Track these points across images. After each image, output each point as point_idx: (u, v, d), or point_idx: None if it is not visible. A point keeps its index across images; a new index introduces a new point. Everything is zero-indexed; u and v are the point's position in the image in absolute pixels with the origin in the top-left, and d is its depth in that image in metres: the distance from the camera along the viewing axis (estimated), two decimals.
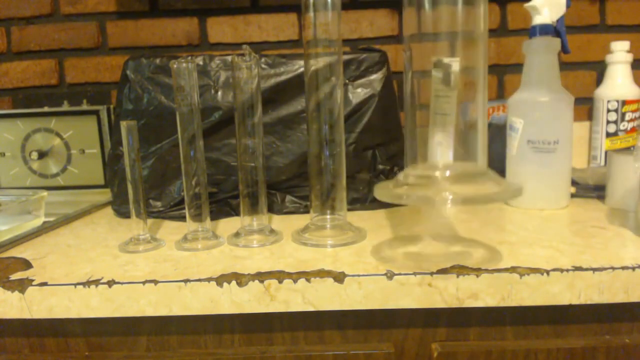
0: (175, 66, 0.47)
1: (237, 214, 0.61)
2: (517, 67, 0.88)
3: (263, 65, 0.61)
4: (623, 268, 0.38)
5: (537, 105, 0.57)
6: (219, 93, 0.60)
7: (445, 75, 0.33)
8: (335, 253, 0.45)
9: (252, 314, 0.40)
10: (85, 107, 0.80)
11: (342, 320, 0.43)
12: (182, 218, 0.59)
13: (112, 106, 0.80)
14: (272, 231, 0.51)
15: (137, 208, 0.49)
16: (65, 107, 0.81)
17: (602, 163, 0.82)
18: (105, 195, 0.76)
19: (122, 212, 0.63)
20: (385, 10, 0.88)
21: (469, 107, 0.35)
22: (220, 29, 0.89)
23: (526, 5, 0.59)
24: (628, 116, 0.79)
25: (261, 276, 0.40)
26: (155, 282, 0.39)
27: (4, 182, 0.82)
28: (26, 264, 0.45)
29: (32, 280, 0.40)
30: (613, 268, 0.38)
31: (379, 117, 0.62)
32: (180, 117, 0.48)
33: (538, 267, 0.39)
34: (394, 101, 0.64)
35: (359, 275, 0.39)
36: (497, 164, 0.74)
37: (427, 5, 0.33)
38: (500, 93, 0.91)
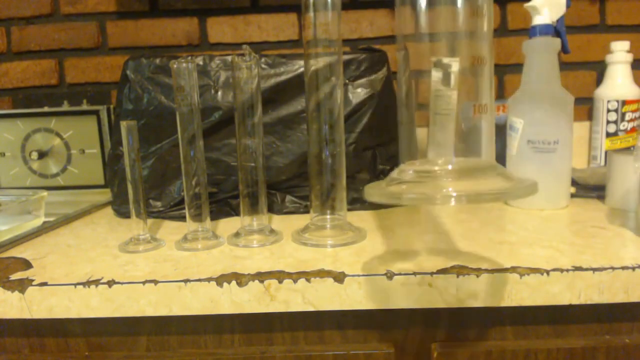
0: (175, 66, 0.47)
1: (237, 214, 0.61)
2: (517, 67, 0.88)
3: (263, 65, 0.61)
4: (623, 268, 0.38)
5: (537, 105, 0.57)
6: (219, 93, 0.60)
7: (445, 75, 0.33)
8: (335, 253, 0.45)
9: (252, 314, 0.40)
10: (85, 107, 0.80)
11: (342, 320, 0.43)
12: (182, 218, 0.59)
13: (112, 106, 0.80)
14: (272, 231, 0.51)
15: (137, 208, 0.49)
16: (65, 107, 0.81)
17: (602, 163, 0.82)
18: (105, 195, 0.76)
19: (122, 212, 0.63)
20: (385, 10, 0.88)
21: (471, 105, 0.34)
22: (220, 29, 0.89)
23: (526, 5, 0.59)
24: (628, 116, 0.79)
25: (261, 276, 0.40)
26: (155, 282, 0.39)
27: (4, 182, 0.82)
28: (26, 264, 0.45)
29: (32, 280, 0.40)
30: (613, 268, 0.38)
31: (379, 117, 0.62)
32: (180, 117, 0.48)
33: (538, 267, 0.39)
34: (394, 101, 0.64)
35: (359, 275, 0.39)
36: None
37: (426, 3, 0.32)
38: (500, 93, 0.91)
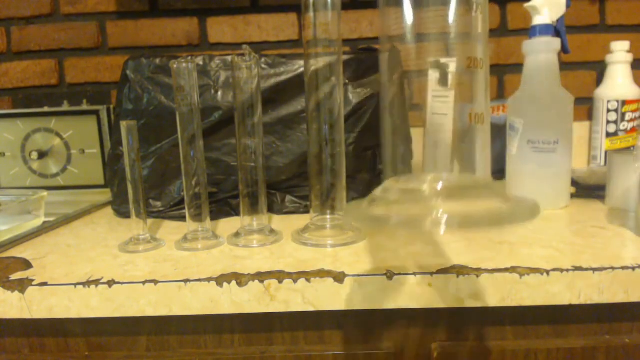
0: (175, 66, 0.47)
1: (237, 214, 0.61)
2: (517, 67, 0.88)
3: (263, 65, 0.61)
4: (623, 268, 0.38)
5: (537, 105, 0.57)
6: (219, 93, 0.60)
7: (443, 75, 0.33)
8: (335, 253, 0.45)
9: (252, 314, 0.40)
10: (85, 107, 0.80)
11: (342, 320, 0.43)
12: (182, 218, 0.59)
13: (112, 106, 0.80)
14: (272, 231, 0.51)
15: (137, 208, 0.49)
16: (65, 107, 0.81)
17: (602, 163, 0.82)
18: (105, 195, 0.76)
19: (122, 212, 0.63)
20: None
21: (466, 109, 0.34)
22: (220, 29, 0.89)
23: (526, 5, 0.59)
24: (628, 116, 0.79)
25: (261, 276, 0.40)
26: (155, 282, 0.39)
27: (4, 182, 0.82)
28: (26, 264, 0.45)
29: (32, 280, 0.40)
30: (613, 268, 0.38)
31: (380, 117, 0.62)
32: (180, 117, 0.48)
33: (538, 267, 0.39)
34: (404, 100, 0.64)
35: (359, 275, 0.39)
36: (497, 164, 0.74)
37: (419, 3, 0.32)
38: (500, 93, 0.91)
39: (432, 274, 0.39)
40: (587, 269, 0.38)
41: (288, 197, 0.62)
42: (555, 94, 0.57)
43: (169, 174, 0.61)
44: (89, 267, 0.44)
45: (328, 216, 0.50)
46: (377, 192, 0.32)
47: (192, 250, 0.48)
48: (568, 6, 0.59)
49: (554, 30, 0.58)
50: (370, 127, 0.61)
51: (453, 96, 0.32)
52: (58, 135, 0.80)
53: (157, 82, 0.61)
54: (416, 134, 0.35)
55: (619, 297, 0.39)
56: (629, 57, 0.79)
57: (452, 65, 0.31)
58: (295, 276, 0.39)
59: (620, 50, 0.79)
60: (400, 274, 0.39)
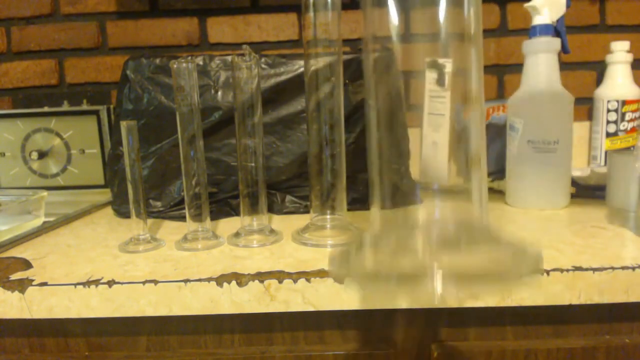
0: (175, 66, 0.47)
1: (237, 214, 0.61)
2: (517, 67, 0.88)
3: (263, 65, 0.61)
4: (623, 268, 0.38)
5: (537, 105, 0.57)
6: (219, 93, 0.60)
7: (440, 75, 0.33)
8: None
9: (252, 314, 0.40)
10: (85, 107, 0.80)
11: (342, 320, 0.43)
12: (182, 218, 0.59)
13: (112, 106, 0.80)
14: (272, 231, 0.51)
15: (137, 208, 0.49)
16: (65, 107, 0.81)
17: (602, 163, 0.82)
18: (105, 195, 0.76)
19: (122, 212, 0.63)
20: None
21: (461, 109, 0.33)
22: (220, 29, 0.89)
23: (526, 5, 0.59)
24: (628, 116, 0.79)
25: (261, 276, 0.40)
26: (155, 282, 0.39)
27: (4, 182, 0.82)
28: (26, 264, 0.45)
29: (32, 280, 0.40)
30: (613, 268, 0.38)
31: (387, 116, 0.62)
32: (180, 117, 0.48)
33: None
34: (400, 101, 0.64)
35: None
36: (497, 164, 0.74)
37: (411, 3, 0.31)
38: (500, 93, 0.91)
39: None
40: (587, 269, 0.38)
41: (288, 197, 0.62)
42: (555, 94, 0.57)
43: (169, 174, 0.61)
44: (89, 267, 0.44)
45: (328, 216, 0.50)
46: (366, 238, 0.29)
47: (192, 250, 0.48)
48: (568, 6, 0.59)
49: (554, 30, 0.58)
50: None
51: (449, 96, 0.32)
52: (58, 135, 0.80)
53: (157, 82, 0.61)
54: (412, 134, 0.35)
55: (619, 297, 0.39)
56: (629, 57, 0.79)
57: (449, 66, 0.31)
58: (295, 276, 0.39)
59: (620, 50, 0.79)
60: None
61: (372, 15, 0.30)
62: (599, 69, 0.89)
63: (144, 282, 0.39)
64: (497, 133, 0.78)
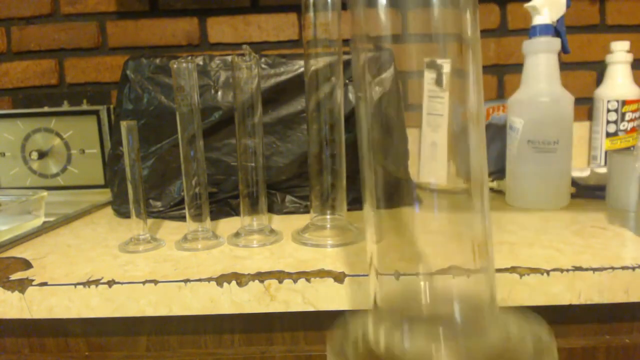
0: (175, 66, 0.47)
1: (237, 214, 0.61)
2: (517, 67, 0.88)
3: (263, 65, 0.61)
4: (623, 268, 0.38)
5: (537, 105, 0.57)
6: (219, 93, 0.60)
7: (438, 76, 0.32)
8: (335, 253, 0.45)
9: (252, 314, 0.40)
10: (85, 107, 0.80)
11: (341, 320, 0.43)
12: (182, 218, 0.59)
13: (112, 106, 0.80)
14: (272, 231, 0.51)
15: (137, 208, 0.49)
16: (65, 107, 0.81)
17: (602, 163, 0.82)
18: (105, 195, 0.76)
19: (122, 212, 0.63)
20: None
21: (459, 110, 0.32)
22: (220, 29, 0.89)
23: (526, 5, 0.59)
24: (628, 116, 0.79)
25: (261, 276, 0.40)
26: (155, 282, 0.39)
27: (4, 182, 0.82)
28: (26, 264, 0.45)
29: (32, 280, 0.40)
30: (613, 268, 0.38)
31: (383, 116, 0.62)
32: (180, 117, 0.48)
33: (538, 267, 0.39)
34: (397, 101, 0.64)
35: (359, 275, 0.39)
36: (497, 164, 0.74)
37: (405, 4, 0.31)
38: (500, 93, 0.91)
39: (431, 274, 0.39)
40: (587, 269, 0.38)
41: (288, 197, 0.62)
42: (555, 94, 0.57)
43: (169, 174, 0.61)
44: (89, 267, 0.44)
45: (328, 216, 0.50)
46: (370, 321, 0.27)
47: (192, 250, 0.48)
48: (568, 6, 0.59)
49: (554, 30, 0.58)
50: None
51: (448, 97, 0.32)
52: (58, 135, 0.80)
53: (157, 82, 0.61)
54: (411, 134, 0.35)
55: (619, 297, 0.39)
56: (629, 57, 0.79)
57: (447, 66, 0.31)
58: (295, 276, 0.39)
59: (620, 50, 0.79)
60: (401, 274, 0.39)
61: (364, 14, 0.29)
62: (599, 69, 0.89)
63: (144, 282, 0.39)
64: (497, 133, 0.78)
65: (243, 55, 0.48)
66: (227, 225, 0.57)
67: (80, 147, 0.80)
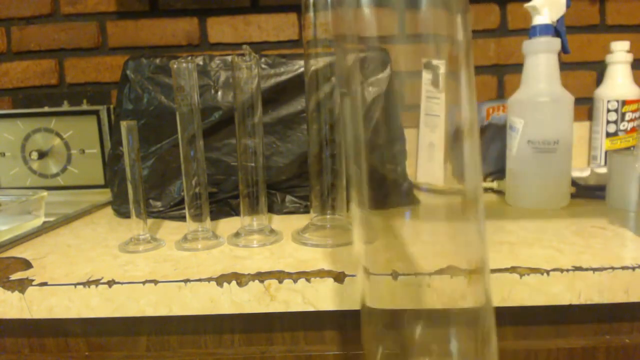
0: (175, 66, 0.47)
1: (237, 214, 0.61)
2: (517, 67, 0.88)
3: (263, 65, 0.61)
4: (623, 268, 0.38)
5: (537, 105, 0.57)
6: (219, 93, 0.60)
7: (435, 77, 0.32)
8: (335, 253, 0.45)
9: (252, 314, 0.40)
10: (85, 107, 0.80)
11: (342, 320, 0.43)
12: (182, 218, 0.59)
13: (112, 106, 0.80)
14: (272, 231, 0.51)
15: (137, 208, 0.49)
16: (65, 107, 0.81)
17: (602, 163, 0.82)
18: (105, 195, 0.76)
19: (122, 212, 0.63)
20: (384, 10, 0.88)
21: (454, 111, 0.32)
22: (220, 29, 0.89)
23: (526, 5, 0.59)
24: (628, 116, 0.79)
25: (261, 276, 0.40)
26: (155, 282, 0.39)
27: (4, 182, 0.82)
28: (26, 264, 0.45)
29: (32, 280, 0.40)
30: (613, 268, 0.38)
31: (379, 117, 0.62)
32: (180, 117, 0.48)
33: (538, 267, 0.39)
34: (395, 101, 0.64)
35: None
36: (497, 164, 0.74)
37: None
38: (500, 93, 0.91)
39: (431, 274, 0.39)
40: (587, 269, 0.38)
41: (288, 197, 0.62)
42: (555, 94, 0.57)
43: (169, 174, 0.61)
44: (89, 267, 0.44)
45: (328, 216, 0.50)
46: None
47: (192, 250, 0.48)
48: (568, 6, 0.59)
49: (554, 30, 0.58)
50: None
51: (444, 97, 0.32)
52: (58, 135, 0.80)
53: (157, 82, 0.61)
54: (408, 134, 0.34)
55: (619, 297, 0.39)
56: (629, 57, 0.79)
57: (443, 67, 0.31)
58: (295, 276, 0.39)
59: (620, 50, 0.79)
60: (401, 274, 0.39)
61: (353, 15, 0.29)
62: (599, 69, 0.89)
63: (144, 282, 0.39)
64: (497, 133, 0.78)
65: (243, 55, 0.48)
66: (227, 225, 0.57)
67: (80, 147, 0.80)
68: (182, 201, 0.60)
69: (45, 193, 0.61)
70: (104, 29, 0.89)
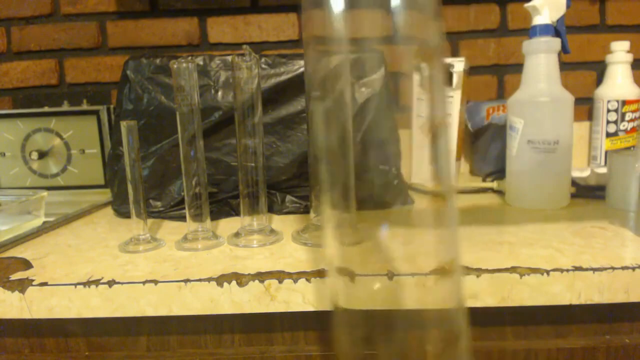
0: (175, 66, 0.47)
1: (237, 214, 0.61)
2: (517, 67, 0.88)
3: (263, 65, 0.61)
4: (623, 268, 0.38)
5: (537, 105, 0.57)
6: (219, 93, 0.60)
7: (422, 79, 0.32)
8: None
9: (252, 314, 0.40)
10: (85, 107, 0.80)
11: None
12: (182, 218, 0.59)
13: (112, 106, 0.80)
14: (272, 231, 0.51)
15: (137, 208, 0.49)
16: (65, 107, 0.81)
17: (602, 163, 0.82)
18: (105, 195, 0.76)
19: (122, 212, 0.63)
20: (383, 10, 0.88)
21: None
22: (220, 29, 0.89)
23: (526, 5, 0.59)
24: (628, 116, 0.79)
25: (261, 276, 0.40)
26: (155, 282, 0.39)
27: (4, 182, 0.82)
28: (26, 264, 0.45)
29: (32, 280, 0.40)
30: (613, 268, 0.38)
31: (378, 117, 0.62)
32: (180, 117, 0.48)
33: (538, 267, 0.39)
34: (388, 102, 0.64)
35: (359, 275, 0.39)
36: (497, 164, 0.74)
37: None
38: (500, 93, 0.91)
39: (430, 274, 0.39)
40: (587, 269, 0.38)
41: (288, 197, 0.62)
42: (555, 94, 0.57)
43: (169, 174, 0.61)
44: (89, 267, 0.44)
45: None
46: None
47: (192, 250, 0.48)
48: (568, 6, 0.59)
49: (554, 30, 0.58)
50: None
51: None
52: (58, 135, 0.80)
53: (157, 82, 0.61)
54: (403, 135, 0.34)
55: (619, 297, 0.39)
56: (629, 57, 0.79)
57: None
58: (295, 276, 0.39)
59: (620, 50, 0.79)
60: (400, 274, 0.39)
61: (344, 16, 0.29)
62: (599, 69, 0.89)
63: (144, 282, 0.39)
64: (497, 133, 0.78)
65: (243, 55, 0.48)
66: (227, 225, 0.57)
67: (80, 147, 0.80)
68: (182, 201, 0.60)
69: (45, 193, 0.61)
70: (104, 29, 0.89)
